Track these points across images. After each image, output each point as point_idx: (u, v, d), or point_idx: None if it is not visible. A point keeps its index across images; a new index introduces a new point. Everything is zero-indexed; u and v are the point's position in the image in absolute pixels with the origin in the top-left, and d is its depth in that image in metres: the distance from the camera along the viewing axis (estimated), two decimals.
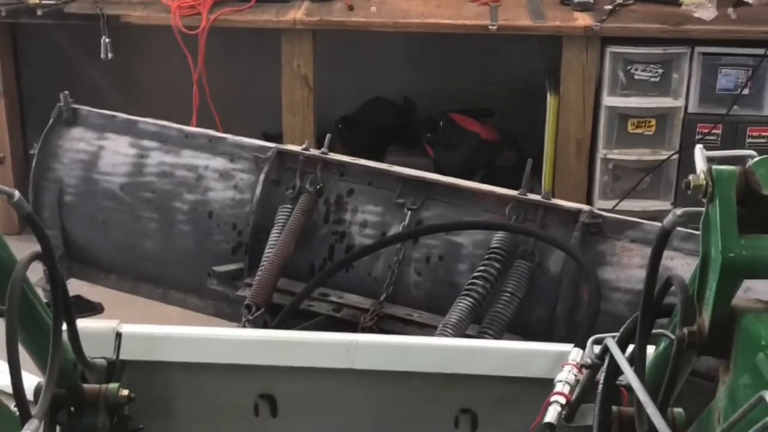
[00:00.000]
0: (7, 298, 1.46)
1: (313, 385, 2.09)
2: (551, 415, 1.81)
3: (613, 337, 1.61)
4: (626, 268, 2.48)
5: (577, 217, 2.53)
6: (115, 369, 2.02)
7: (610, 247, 2.52)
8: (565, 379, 1.83)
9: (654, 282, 1.47)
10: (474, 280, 2.52)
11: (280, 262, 2.68)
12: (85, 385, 1.92)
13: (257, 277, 2.67)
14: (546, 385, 1.88)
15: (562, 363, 1.86)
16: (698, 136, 4.15)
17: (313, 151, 2.85)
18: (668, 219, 1.41)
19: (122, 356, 2.04)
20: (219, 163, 2.91)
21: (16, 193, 1.49)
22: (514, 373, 2.04)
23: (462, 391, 2.07)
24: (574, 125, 4.20)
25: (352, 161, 2.84)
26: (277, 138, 4.50)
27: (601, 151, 4.24)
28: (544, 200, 2.59)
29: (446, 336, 2.36)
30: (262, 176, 2.81)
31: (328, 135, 2.90)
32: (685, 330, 1.35)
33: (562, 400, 1.82)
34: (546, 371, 1.95)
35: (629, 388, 1.68)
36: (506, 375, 2.04)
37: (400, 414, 2.10)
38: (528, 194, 2.62)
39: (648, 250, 2.37)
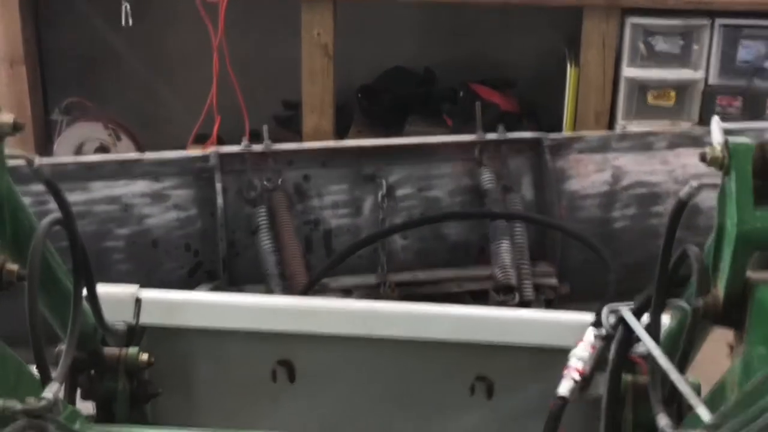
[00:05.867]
0: (28, 261, 1.47)
1: (331, 352, 2.11)
2: (564, 387, 1.83)
3: (628, 306, 1.62)
4: (585, 177, 2.88)
5: (537, 143, 2.88)
6: (135, 334, 2.04)
7: (565, 162, 2.88)
8: (580, 355, 1.85)
9: (669, 253, 1.48)
10: (494, 222, 2.79)
11: (304, 262, 2.69)
12: (105, 349, 1.94)
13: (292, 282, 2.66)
14: (563, 354, 1.89)
15: (578, 340, 1.87)
16: (718, 109, 4.13)
17: (257, 147, 2.78)
18: (684, 191, 1.41)
19: (142, 321, 2.06)
20: (142, 186, 2.73)
21: (37, 159, 1.50)
22: (531, 342, 2.05)
23: (478, 359, 2.09)
24: (593, 96, 4.19)
25: (298, 147, 2.86)
26: (297, 106, 4.52)
27: (621, 122, 4.22)
28: (503, 137, 2.89)
29: (509, 278, 2.66)
30: (218, 185, 2.72)
31: (264, 126, 2.85)
32: (701, 300, 1.36)
33: (576, 375, 1.83)
34: (564, 340, 1.96)
35: (646, 357, 1.70)
36: (523, 344, 2.06)
37: (416, 381, 2.13)
38: (486, 135, 2.84)
39: (594, 157, 2.88)
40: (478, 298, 2.79)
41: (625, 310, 1.55)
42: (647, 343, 1.41)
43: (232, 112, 4.34)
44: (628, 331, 1.55)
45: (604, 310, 1.67)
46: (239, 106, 4.33)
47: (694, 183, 1.38)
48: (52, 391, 1.48)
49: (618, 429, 1.62)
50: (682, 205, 1.42)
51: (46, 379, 1.53)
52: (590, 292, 2.77)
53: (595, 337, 1.74)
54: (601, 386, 1.84)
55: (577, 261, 2.89)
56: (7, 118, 1.41)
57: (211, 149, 2.80)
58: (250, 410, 2.15)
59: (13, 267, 1.43)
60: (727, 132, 1.36)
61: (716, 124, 1.35)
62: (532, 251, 2.86)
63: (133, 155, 2.86)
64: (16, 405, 1.43)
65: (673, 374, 1.30)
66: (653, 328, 1.47)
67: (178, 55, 4.92)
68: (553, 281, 2.85)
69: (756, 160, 1.32)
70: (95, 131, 4.39)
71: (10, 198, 1.51)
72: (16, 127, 1.41)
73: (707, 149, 1.34)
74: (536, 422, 1.83)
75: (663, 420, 1.40)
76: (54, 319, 1.77)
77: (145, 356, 1.95)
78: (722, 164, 1.33)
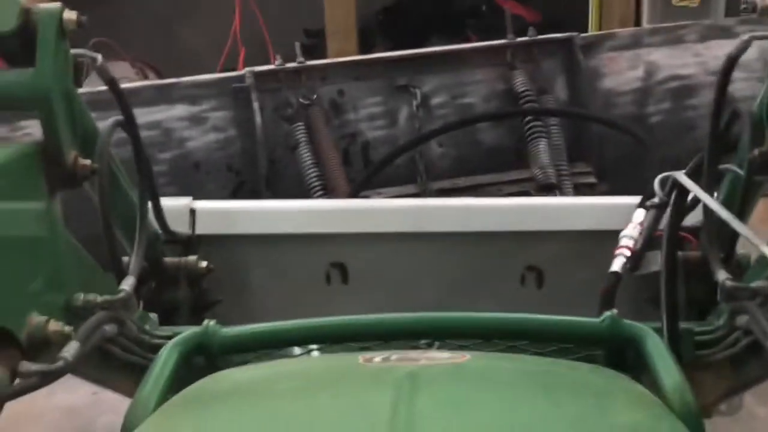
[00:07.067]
0: (97, 158, 1.51)
1: (382, 251, 2.13)
2: (617, 264, 1.85)
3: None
4: (618, 74, 2.89)
5: (569, 43, 2.89)
6: (192, 244, 2.07)
7: (597, 61, 2.90)
8: (630, 234, 1.87)
9: (720, 112, 1.50)
10: (532, 123, 2.79)
11: (345, 174, 2.73)
12: (166, 259, 1.97)
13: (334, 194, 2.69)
14: (611, 238, 1.91)
15: (626, 222, 1.90)
16: (743, 6, 4.09)
17: (290, 64, 2.80)
18: (735, 45, 1.42)
19: (197, 231, 2.09)
20: (181, 110, 2.76)
21: (100, 57, 1.53)
22: (579, 227, 2.07)
23: (528, 248, 2.11)
24: (617, 1, 4.17)
25: (331, 62, 2.87)
26: (319, 34, 4.53)
27: (646, 27, 4.20)
28: (533, 38, 2.89)
29: (549, 177, 2.68)
30: (255, 104, 2.74)
31: (296, 43, 2.86)
32: (756, 151, 1.39)
33: (627, 252, 1.86)
34: (611, 224, 1.98)
35: (698, 228, 1.72)
36: (571, 230, 2.08)
37: (467, 275, 2.15)
38: (517, 38, 2.86)
39: (627, 54, 2.90)
40: None
41: (679, 174, 1.57)
42: (704, 199, 1.43)
43: (255, 45, 4.36)
44: (682, 196, 1.57)
45: (657, 179, 1.69)
46: (261, 38, 4.35)
47: (745, 36, 1.40)
48: (129, 284, 1.53)
49: (676, 295, 1.64)
50: (732, 61, 1.44)
51: (120, 275, 1.58)
52: (628, 190, 2.79)
53: (647, 207, 1.77)
54: (653, 264, 1.87)
55: (614, 160, 2.91)
56: (71, 14, 1.44)
57: (245, 69, 2.82)
58: (306, 313, 2.18)
59: (86, 162, 1.47)
60: None
61: None
62: (569, 152, 2.88)
63: (170, 80, 2.88)
64: (96, 298, 1.48)
65: (734, 223, 1.32)
66: (708, 187, 1.49)
67: None
68: (592, 180, 2.87)
69: None
70: (123, 70, 4.41)
71: (76, 97, 1.54)
72: (80, 24, 1.45)
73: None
74: (587, 307, 1.85)
75: (722, 274, 1.43)
76: (119, 227, 1.80)
77: (204, 264, 1.98)
78: None
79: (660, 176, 1.70)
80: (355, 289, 2.16)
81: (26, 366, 1.26)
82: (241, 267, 2.17)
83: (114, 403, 2.87)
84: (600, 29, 4.19)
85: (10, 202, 1.34)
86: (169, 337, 1.72)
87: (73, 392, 2.97)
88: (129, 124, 1.63)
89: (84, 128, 1.55)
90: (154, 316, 1.93)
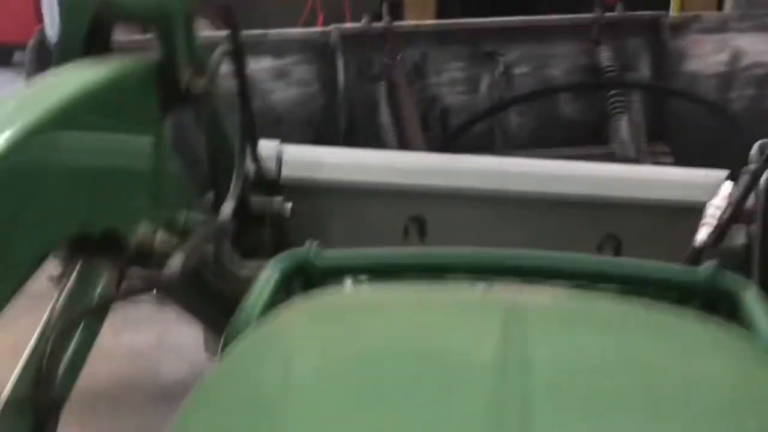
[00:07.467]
0: (208, 80, 1.54)
1: (462, 208, 2.15)
2: (702, 236, 1.85)
3: None
4: (704, 57, 2.90)
5: (656, 22, 2.89)
6: (278, 186, 2.10)
7: (684, 42, 2.90)
8: (717, 205, 1.87)
9: None
10: (613, 99, 2.79)
11: (423, 136, 2.75)
12: (253, 198, 2.00)
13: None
14: (694, 211, 1.91)
15: (715, 194, 1.89)
16: None
17: (377, 24, 2.81)
18: None
19: (283, 175, 2.12)
20: (266, 63, 2.78)
21: None
22: (661, 198, 2.07)
23: (608, 217, 2.11)
24: None
25: (416, 24, 2.88)
26: (396, 4, 4.53)
27: (734, 12, 4.15)
28: (621, 15, 2.91)
29: (628, 152, 2.67)
30: (340, 62, 2.76)
31: (384, 4, 2.87)
32: None
33: (713, 222, 1.86)
34: (694, 197, 1.98)
35: None
36: (653, 200, 2.08)
37: (544, 238, 2.14)
38: (604, 13, 2.88)
39: (713, 37, 2.92)
40: None
41: None
42: None
43: (332, 12, 4.38)
44: None
45: (756, 145, 1.69)
46: (340, 5, 4.37)
47: None
48: (228, 208, 1.56)
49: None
50: None
51: (219, 200, 1.61)
52: None
53: (737, 178, 1.77)
54: (738, 237, 1.87)
55: (693, 142, 2.90)
56: None
57: (332, 26, 2.84)
58: None
59: (200, 80, 1.51)
60: None
61: None
62: (648, 131, 2.88)
63: (257, 32, 2.91)
64: (198, 217, 1.51)
65: None
66: None
67: None
68: (670, 160, 2.87)
69: None
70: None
71: (194, 19, 1.58)
72: None
73: None
74: None
75: None
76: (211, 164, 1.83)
77: (289, 205, 2.01)
78: None
79: (759, 142, 1.70)
80: (431, 245, 2.18)
81: (136, 271, 1.30)
82: (321, 214, 2.19)
83: (177, 346, 2.96)
84: (682, 11, 4.15)
85: (126, 114, 1.38)
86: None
87: (138, 333, 3.04)
88: (237, 54, 1.66)
89: (196, 54, 1.58)
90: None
